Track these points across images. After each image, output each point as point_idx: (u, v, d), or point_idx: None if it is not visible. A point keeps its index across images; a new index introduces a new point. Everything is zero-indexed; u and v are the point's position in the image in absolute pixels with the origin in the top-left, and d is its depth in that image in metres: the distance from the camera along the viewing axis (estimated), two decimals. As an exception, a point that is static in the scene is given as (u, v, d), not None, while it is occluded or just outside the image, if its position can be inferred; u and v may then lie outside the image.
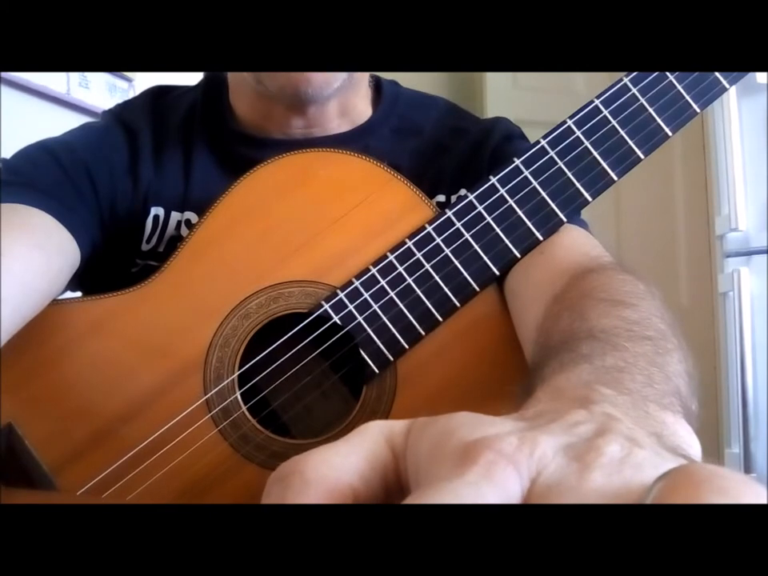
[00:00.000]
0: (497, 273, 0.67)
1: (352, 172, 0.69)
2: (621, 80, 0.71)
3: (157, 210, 0.76)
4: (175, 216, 0.76)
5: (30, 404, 0.64)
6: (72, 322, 0.66)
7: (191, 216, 0.76)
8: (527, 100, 2.38)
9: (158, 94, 0.84)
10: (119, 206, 0.75)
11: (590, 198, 0.68)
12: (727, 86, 0.71)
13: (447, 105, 0.88)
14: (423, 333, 0.66)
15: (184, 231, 0.76)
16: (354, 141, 0.77)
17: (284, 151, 0.72)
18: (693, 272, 2.37)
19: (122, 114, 0.81)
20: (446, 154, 0.80)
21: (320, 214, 0.67)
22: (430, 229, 0.67)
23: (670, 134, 0.70)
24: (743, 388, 1.77)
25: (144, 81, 1.48)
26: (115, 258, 0.76)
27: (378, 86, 0.85)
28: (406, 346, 0.65)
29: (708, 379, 2.27)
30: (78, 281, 0.78)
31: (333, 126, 0.79)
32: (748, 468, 1.74)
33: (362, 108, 0.81)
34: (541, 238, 0.67)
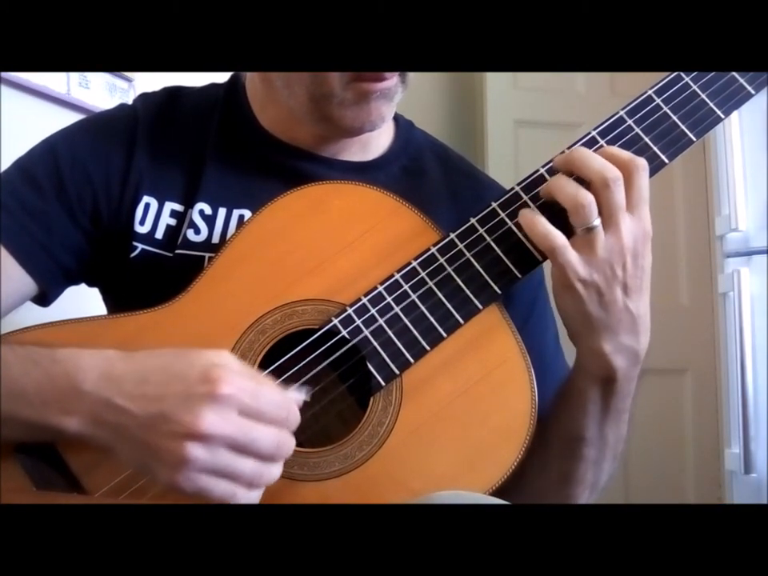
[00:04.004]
0: (498, 291, 0.70)
1: (363, 201, 0.74)
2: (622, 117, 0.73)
3: (149, 199, 0.79)
4: (169, 205, 0.80)
5: None
6: (107, 337, 0.70)
7: (204, 207, 0.79)
8: (527, 100, 2.37)
9: (174, 93, 0.86)
10: (113, 192, 0.79)
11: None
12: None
13: (457, 154, 0.93)
14: (428, 347, 0.69)
15: (185, 220, 0.79)
16: (368, 172, 0.83)
17: (310, 162, 0.80)
18: (693, 272, 2.36)
19: (135, 105, 0.85)
20: (453, 198, 0.85)
21: (333, 239, 0.73)
22: (434, 250, 0.71)
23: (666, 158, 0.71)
24: (743, 388, 1.76)
25: (144, 81, 1.48)
26: (112, 243, 0.79)
27: (395, 121, 0.89)
28: (411, 360, 0.69)
29: (708, 379, 2.27)
30: (79, 275, 0.82)
31: (353, 152, 0.84)
32: (748, 468, 1.74)
33: (380, 142, 0.86)
34: (540, 259, 0.70)
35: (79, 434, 0.61)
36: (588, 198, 0.66)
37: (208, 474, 0.57)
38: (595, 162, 0.67)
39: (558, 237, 0.66)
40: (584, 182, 0.68)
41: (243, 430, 0.58)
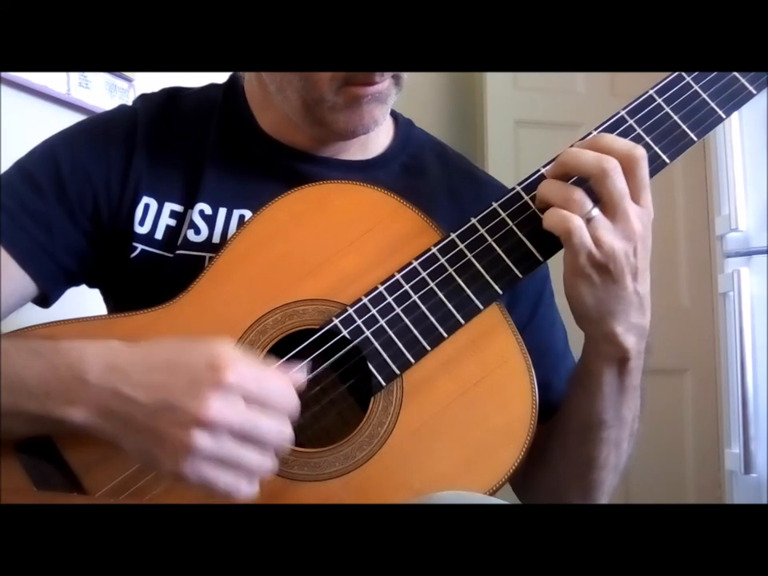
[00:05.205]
0: (499, 291, 0.70)
1: (364, 201, 0.74)
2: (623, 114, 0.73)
3: (148, 200, 0.79)
4: (169, 206, 0.80)
5: None
6: (107, 336, 0.69)
7: (204, 207, 0.79)
8: (527, 100, 2.37)
9: (173, 93, 0.86)
10: (113, 193, 0.79)
11: None
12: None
13: (456, 153, 0.93)
14: (428, 347, 0.69)
15: (185, 221, 0.79)
16: (368, 170, 0.83)
17: (310, 163, 0.81)
18: (693, 272, 2.37)
19: (134, 106, 0.85)
20: (453, 196, 0.84)
21: (334, 238, 0.72)
22: (434, 250, 0.71)
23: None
24: (743, 388, 1.76)
25: (144, 81, 1.48)
26: (112, 244, 0.79)
27: (395, 120, 0.89)
28: (412, 360, 0.69)
29: (708, 379, 2.27)
30: (80, 276, 0.81)
31: (353, 152, 0.84)
32: (748, 468, 1.73)
33: (379, 140, 0.86)
34: (541, 258, 0.70)
35: (84, 425, 0.61)
36: (576, 191, 0.67)
37: (213, 463, 0.58)
38: (588, 156, 0.67)
39: (574, 219, 0.66)
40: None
41: (249, 419, 0.59)
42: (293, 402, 0.61)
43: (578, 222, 0.66)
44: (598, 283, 0.67)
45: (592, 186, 0.67)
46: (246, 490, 0.59)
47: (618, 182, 0.66)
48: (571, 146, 0.71)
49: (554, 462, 0.76)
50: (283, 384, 0.62)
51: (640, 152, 0.67)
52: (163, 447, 0.58)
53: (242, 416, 0.58)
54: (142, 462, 0.62)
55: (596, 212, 0.66)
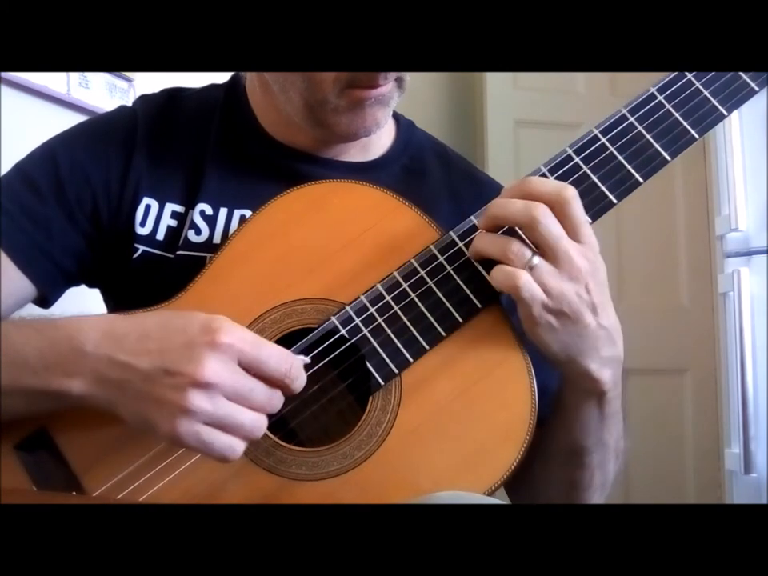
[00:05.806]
0: (498, 290, 0.69)
1: (363, 200, 0.74)
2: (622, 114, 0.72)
3: (149, 201, 0.79)
4: (170, 207, 0.80)
5: (63, 412, 0.66)
6: None
7: (205, 207, 0.79)
8: (527, 100, 2.37)
9: (174, 94, 0.86)
10: (112, 194, 0.79)
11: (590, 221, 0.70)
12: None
13: (457, 154, 0.93)
14: (427, 347, 0.69)
15: (186, 221, 0.79)
16: (369, 172, 0.83)
17: (311, 163, 0.81)
18: (693, 272, 2.36)
19: (134, 107, 0.85)
20: (453, 198, 0.85)
21: (333, 238, 0.72)
22: (434, 249, 0.71)
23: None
24: (743, 388, 1.76)
25: (144, 81, 1.48)
26: (113, 245, 0.79)
27: (396, 121, 0.89)
28: (410, 359, 0.69)
29: (708, 379, 2.27)
30: (80, 277, 0.82)
31: (354, 153, 0.84)
32: (748, 468, 1.74)
33: (381, 142, 0.86)
34: None
35: (81, 396, 0.62)
36: (513, 243, 0.65)
37: (209, 425, 0.59)
38: (515, 205, 0.65)
39: (519, 273, 0.65)
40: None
41: (245, 379, 0.59)
42: (293, 366, 0.62)
43: (524, 277, 0.64)
44: (558, 327, 0.66)
45: (525, 234, 0.66)
46: (239, 451, 0.60)
47: (551, 226, 0.64)
48: (572, 145, 0.71)
49: (539, 481, 0.75)
50: (279, 349, 0.62)
51: (569, 192, 0.65)
52: (159, 410, 0.59)
53: (237, 376, 0.59)
54: (138, 427, 0.62)
55: (537, 260, 0.65)
